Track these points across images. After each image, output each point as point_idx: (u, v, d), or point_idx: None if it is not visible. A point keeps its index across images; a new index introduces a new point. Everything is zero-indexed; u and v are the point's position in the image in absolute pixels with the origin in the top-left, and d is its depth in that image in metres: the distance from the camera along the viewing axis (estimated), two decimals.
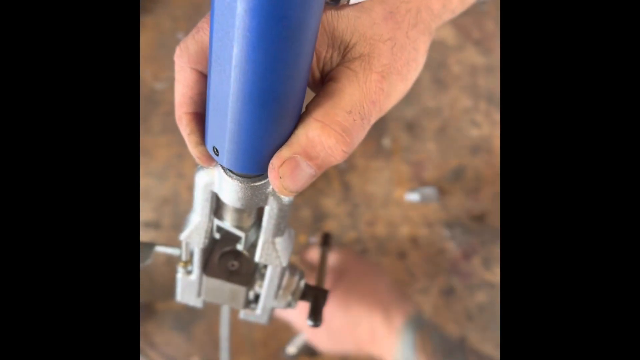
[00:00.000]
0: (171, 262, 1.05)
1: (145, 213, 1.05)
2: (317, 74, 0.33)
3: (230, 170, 0.33)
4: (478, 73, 1.10)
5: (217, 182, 0.34)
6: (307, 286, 0.45)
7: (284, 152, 0.30)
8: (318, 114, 0.30)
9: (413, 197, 1.04)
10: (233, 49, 0.24)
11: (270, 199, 0.35)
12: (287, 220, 0.37)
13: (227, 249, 0.44)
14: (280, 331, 1.07)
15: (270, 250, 0.38)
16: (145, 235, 1.05)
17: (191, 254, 0.42)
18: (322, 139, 0.30)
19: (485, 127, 1.07)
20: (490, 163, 1.06)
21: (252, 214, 0.38)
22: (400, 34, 0.33)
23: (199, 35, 0.31)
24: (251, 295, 0.45)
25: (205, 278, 0.43)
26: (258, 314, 0.45)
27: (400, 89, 0.34)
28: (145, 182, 1.05)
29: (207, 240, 0.39)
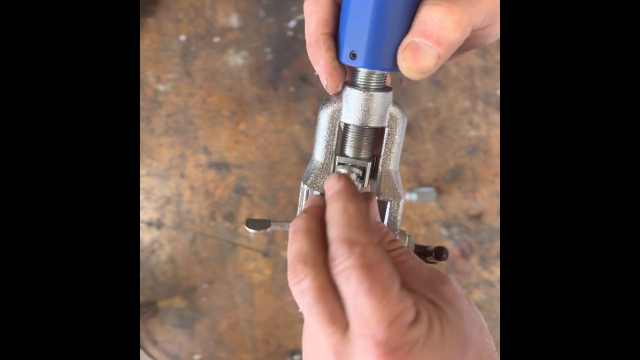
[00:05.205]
0: (173, 261, 1.06)
1: (148, 212, 1.06)
2: None
3: (357, 86, 0.39)
4: (475, 75, 1.11)
5: (343, 107, 0.40)
6: (416, 246, 0.48)
7: (405, 39, 0.36)
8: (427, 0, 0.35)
9: (412, 197, 1.05)
10: None
11: (389, 119, 0.40)
12: (400, 150, 0.42)
13: None
14: (281, 329, 1.08)
15: (389, 181, 0.42)
16: (147, 235, 1.05)
17: None
18: (431, 15, 0.34)
19: (483, 128, 1.08)
20: (487, 163, 1.07)
21: (370, 144, 0.42)
22: None
23: None
24: None
25: None
26: None
27: None
28: (148, 182, 1.06)
29: None
